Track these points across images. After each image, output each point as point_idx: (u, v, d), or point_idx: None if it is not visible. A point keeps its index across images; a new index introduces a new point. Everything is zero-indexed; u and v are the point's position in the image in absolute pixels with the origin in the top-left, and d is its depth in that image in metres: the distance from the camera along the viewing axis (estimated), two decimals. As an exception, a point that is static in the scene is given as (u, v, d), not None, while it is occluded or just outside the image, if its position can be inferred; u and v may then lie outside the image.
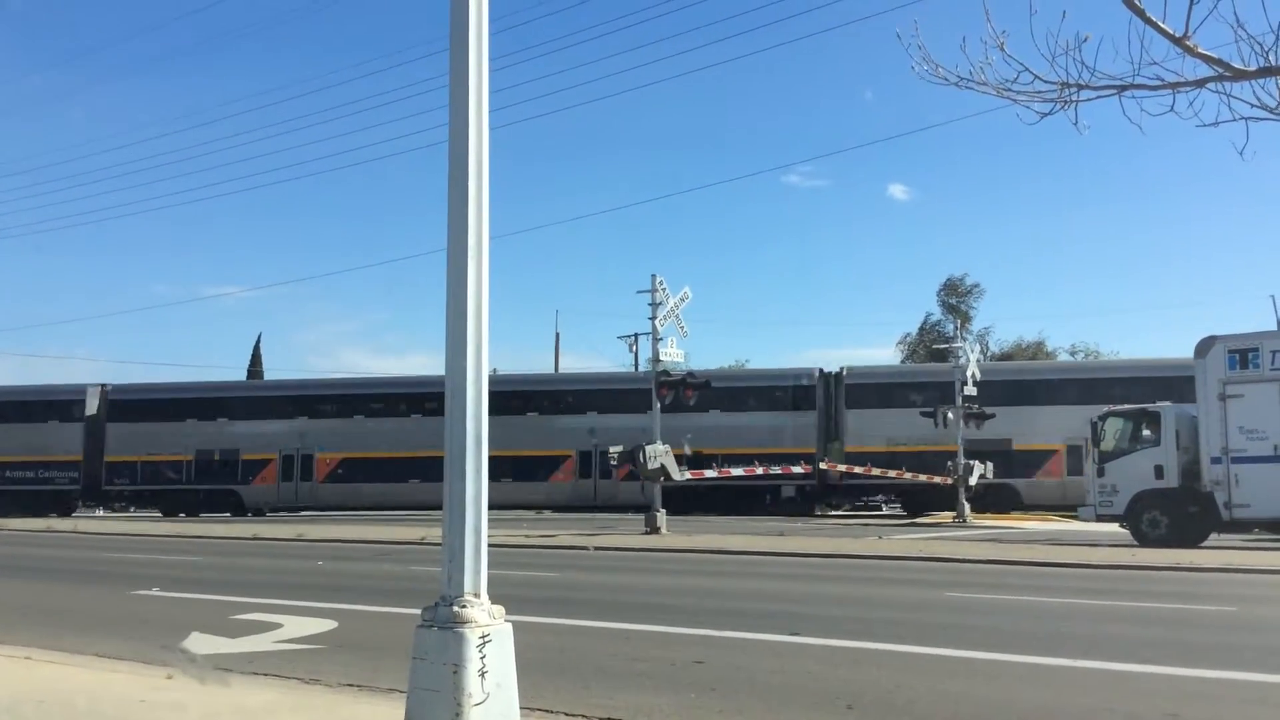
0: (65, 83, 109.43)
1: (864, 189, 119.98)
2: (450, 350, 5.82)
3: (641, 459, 30.68)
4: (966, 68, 5.05)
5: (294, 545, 26.25)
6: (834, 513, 51.86)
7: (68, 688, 7.63)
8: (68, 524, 36.86)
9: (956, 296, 60.65)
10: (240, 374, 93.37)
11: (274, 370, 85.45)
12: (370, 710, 6.69)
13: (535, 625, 9.87)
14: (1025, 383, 47.40)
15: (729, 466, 39.82)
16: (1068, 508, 40.50)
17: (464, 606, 5.51)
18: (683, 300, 32.43)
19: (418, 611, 5.77)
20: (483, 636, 5.43)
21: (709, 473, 40.24)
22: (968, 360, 44.27)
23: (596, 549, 24.49)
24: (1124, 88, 4.73)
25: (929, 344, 58.97)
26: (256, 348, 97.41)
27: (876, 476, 42.59)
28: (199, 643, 10.06)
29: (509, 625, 5.65)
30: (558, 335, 70.20)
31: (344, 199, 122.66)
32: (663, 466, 30.85)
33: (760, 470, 41.35)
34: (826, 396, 47.64)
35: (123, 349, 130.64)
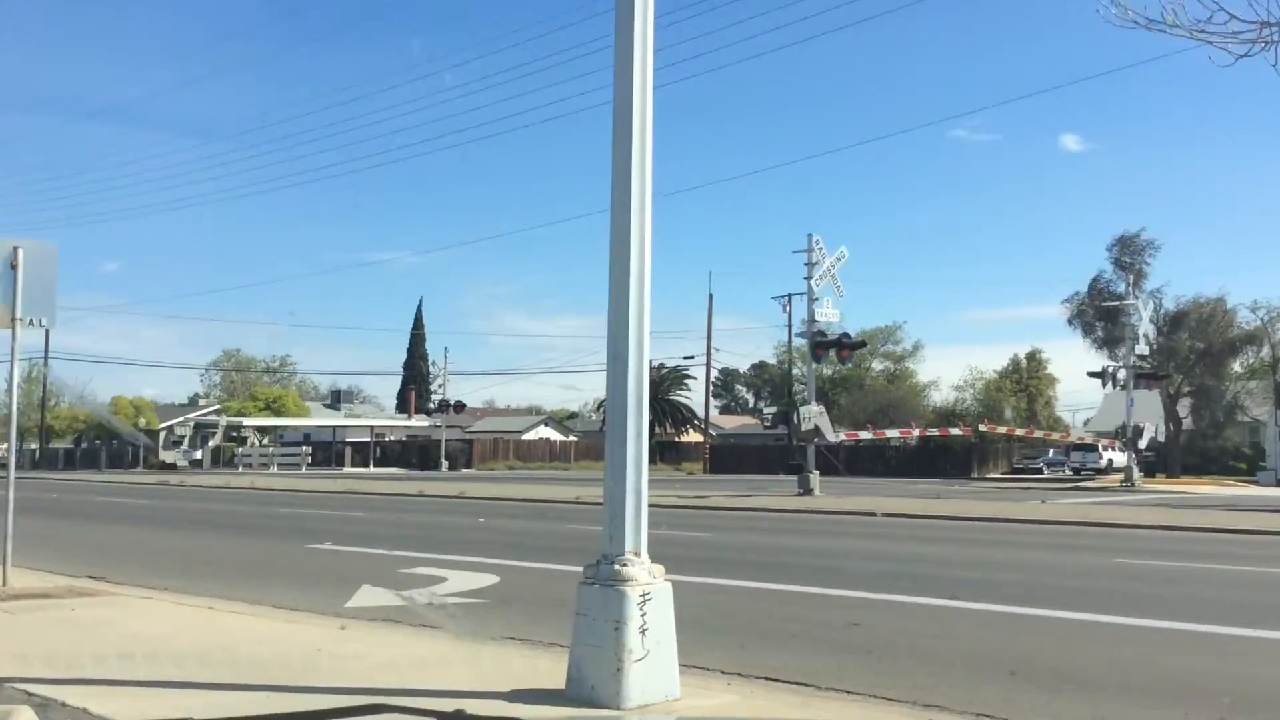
0: (242, 53, 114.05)
1: (1035, 141, 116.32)
2: (613, 317, 5.87)
3: (796, 420, 30.52)
4: (1157, 9, 4.79)
5: (456, 503, 27.07)
6: (992, 476, 50.58)
7: (251, 636, 8.05)
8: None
9: (1130, 253, 57.69)
10: (403, 337, 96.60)
11: (436, 334, 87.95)
12: (533, 663, 6.86)
13: (692, 585, 9.94)
14: None
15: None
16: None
17: (625, 565, 5.59)
18: (839, 260, 31.94)
19: (578, 569, 5.88)
20: (644, 595, 5.50)
21: (864, 434, 39.79)
22: (1140, 319, 42.49)
23: (749, 510, 24.50)
24: (1326, 24, 4.41)
25: (1098, 303, 56.38)
26: (418, 312, 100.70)
27: None
28: (369, 595, 10.46)
29: (669, 584, 5.71)
30: (710, 296, 70.26)
31: (505, 163, 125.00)
32: (817, 427, 30.60)
33: (916, 432, 40.70)
34: None
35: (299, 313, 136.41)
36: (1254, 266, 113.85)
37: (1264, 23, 4.47)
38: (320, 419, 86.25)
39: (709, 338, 69.55)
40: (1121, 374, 41.73)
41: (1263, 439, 56.62)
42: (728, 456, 71.52)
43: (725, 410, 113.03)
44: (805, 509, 24.48)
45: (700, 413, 77.21)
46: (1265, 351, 60.59)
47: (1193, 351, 57.94)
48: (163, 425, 74.58)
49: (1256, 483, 31.85)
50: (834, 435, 33.16)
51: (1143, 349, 42.88)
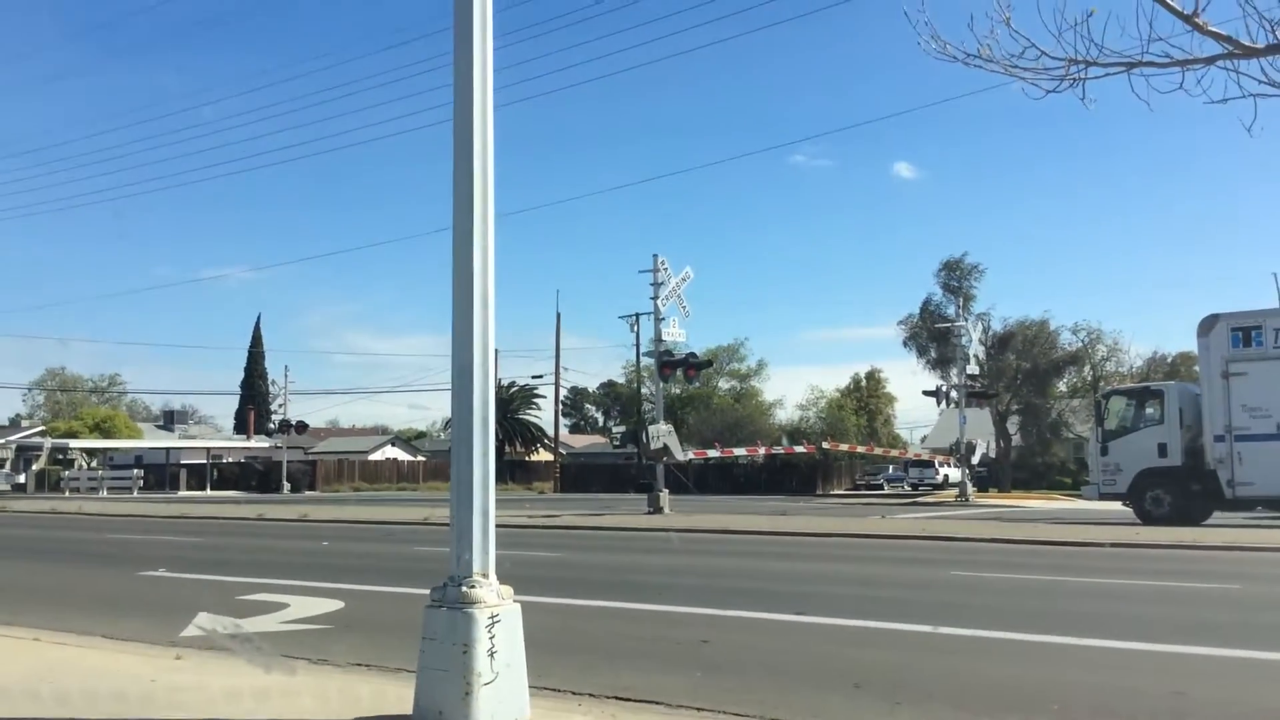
0: (65, 62, 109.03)
1: (870, 168, 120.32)
2: (457, 332, 5.81)
3: (645, 439, 30.67)
4: (973, 44, 5.01)
5: (298, 526, 26.30)
6: (836, 492, 51.77)
7: (81, 669, 7.65)
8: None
9: (957, 277, 60.30)
10: (241, 355, 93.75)
11: (275, 352, 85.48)
12: (381, 690, 6.70)
13: (541, 605, 9.89)
14: None
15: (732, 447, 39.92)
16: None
17: (473, 587, 5.53)
18: (684, 280, 32.36)
19: (425, 591, 5.78)
20: (492, 617, 5.45)
21: (712, 452, 40.28)
22: (969, 340, 44.27)
23: (599, 529, 24.52)
24: (1133, 65, 4.69)
25: (930, 325, 58.70)
26: (257, 329, 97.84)
27: None
28: (206, 623, 10.07)
29: (517, 605, 5.67)
30: (559, 315, 70.16)
31: (350, 180, 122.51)
32: (665, 446, 30.83)
33: (763, 450, 41.40)
34: None
35: (125, 331, 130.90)
36: (1077, 291, 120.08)
37: (1071, 59, 4.73)
38: (153, 440, 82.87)
39: (557, 356, 69.48)
40: (954, 393, 43.39)
41: (1086, 455, 59.69)
42: (578, 475, 71.52)
43: (575, 429, 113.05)
44: (655, 527, 24.63)
45: (550, 432, 77.03)
46: (1086, 371, 63.95)
47: (1020, 371, 60.73)
48: (-18, 448, 70.61)
49: (1081, 497, 33.48)
50: (682, 454, 33.50)
51: (973, 369, 44.68)
